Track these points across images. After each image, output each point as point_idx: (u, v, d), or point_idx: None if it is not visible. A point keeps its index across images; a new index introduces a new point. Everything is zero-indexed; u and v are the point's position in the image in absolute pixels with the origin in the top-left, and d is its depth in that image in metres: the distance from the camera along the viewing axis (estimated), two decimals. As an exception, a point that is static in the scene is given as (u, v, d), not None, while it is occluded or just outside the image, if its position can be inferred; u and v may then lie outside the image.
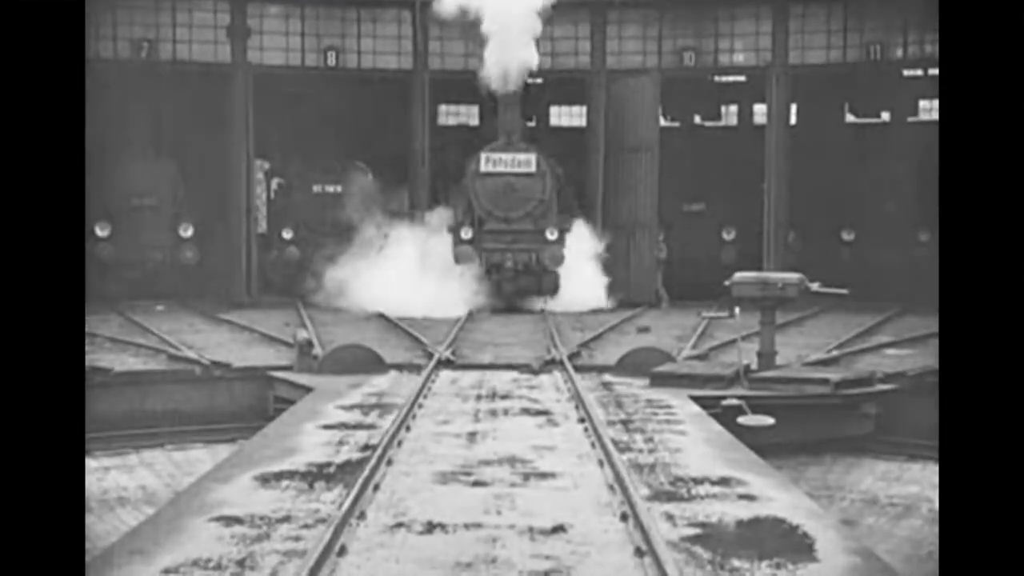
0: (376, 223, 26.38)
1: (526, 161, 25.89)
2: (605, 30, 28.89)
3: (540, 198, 25.85)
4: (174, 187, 29.57)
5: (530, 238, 25.52)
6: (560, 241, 25.64)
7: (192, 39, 27.84)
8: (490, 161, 25.92)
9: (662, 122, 33.78)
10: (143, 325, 20.23)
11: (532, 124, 31.98)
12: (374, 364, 14.98)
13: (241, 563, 6.32)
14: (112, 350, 16.96)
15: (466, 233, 25.59)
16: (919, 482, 12.86)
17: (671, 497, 7.96)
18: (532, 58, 25.61)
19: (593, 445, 9.69)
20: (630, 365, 14.67)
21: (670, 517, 7.36)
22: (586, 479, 8.51)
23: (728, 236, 31.21)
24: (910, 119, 31.67)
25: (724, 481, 8.45)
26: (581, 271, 25.84)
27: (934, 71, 27.90)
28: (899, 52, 28.17)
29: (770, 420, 12.14)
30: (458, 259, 25.17)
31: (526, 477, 8.60)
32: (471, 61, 27.36)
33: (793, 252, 28.00)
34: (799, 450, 13.17)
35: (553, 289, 25.17)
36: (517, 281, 25.17)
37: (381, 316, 21.35)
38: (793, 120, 30.36)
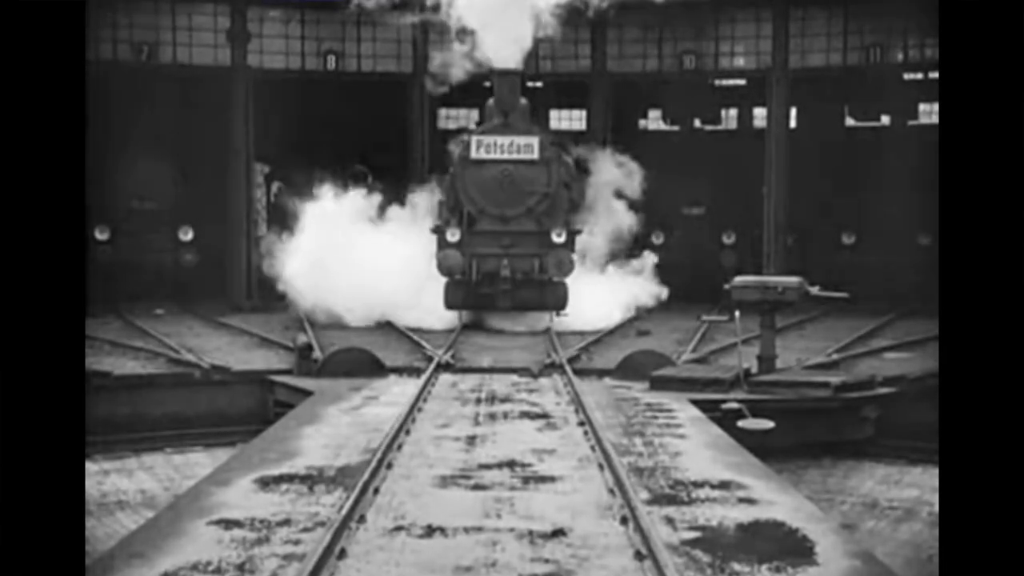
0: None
1: (527, 146, 21.02)
2: (605, 33, 28.92)
3: (544, 191, 21.08)
4: (174, 191, 29.59)
5: (532, 241, 20.88)
6: (569, 244, 20.98)
7: (192, 42, 27.87)
8: (482, 146, 21.06)
9: (662, 125, 33.88)
10: (143, 328, 20.23)
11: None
12: (374, 368, 14.97)
13: (241, 567, 6.31)
14: (112, 353, 16.96)
15: (452, 235, 20.79)
16: (919, 485, 12.86)
17: (671, 501, 7.94)
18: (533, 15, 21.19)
19: (593, 448, 9.68)
20: (630, 369, 14.65)
21: (670, 521, 7.35)
22: (586, 483, 8.50)
23: (728, 240, 31.24)
24: (910, 122, 31.69)
25: (724, 485, 8.44)
26: (604, 279, 22.29)
27: (934, 74, 27.91)
28: (899, 55, 28.22)
29: (770, 424, 12.13)
30: (442, 267, 20.63)
31: (526, 481, 8.59)
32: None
33: (794, 256, 28.02)
34: (799, 453, 13.16)
35: (560, 303, 20.67)
36: (515, 294, 20.49)
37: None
38: (793, 123, 30.40)
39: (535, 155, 21.06)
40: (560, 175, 21.63)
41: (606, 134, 28.26)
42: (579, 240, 21.80)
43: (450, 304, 20.79)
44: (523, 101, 22.19)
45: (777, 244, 28.00)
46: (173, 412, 14.91)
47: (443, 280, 20.70)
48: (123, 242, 28.65)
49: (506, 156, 20.98)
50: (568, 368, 14.68)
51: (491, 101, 22.13)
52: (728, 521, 7.36)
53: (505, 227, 21.03)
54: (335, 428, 10.92)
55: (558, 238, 20.77)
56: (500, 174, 20.97)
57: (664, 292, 23.40)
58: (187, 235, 29.54)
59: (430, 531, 7.09)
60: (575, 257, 20.97)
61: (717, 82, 32.16)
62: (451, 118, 34.89)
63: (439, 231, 21.12)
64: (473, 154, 21.11)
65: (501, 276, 20.48)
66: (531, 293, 20.65)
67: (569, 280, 20.79)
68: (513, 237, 20.94)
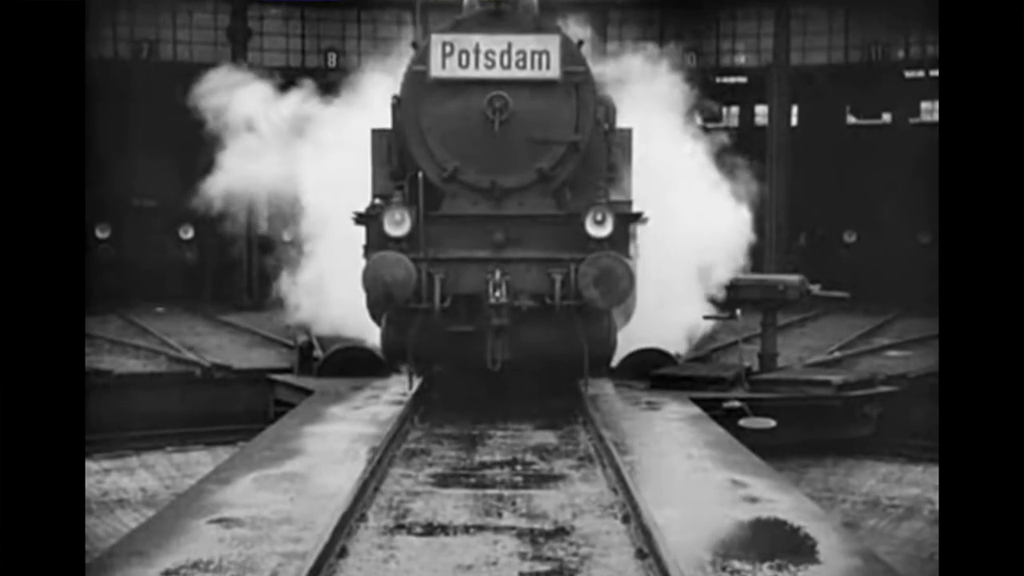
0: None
1: (538, 53, 11.20)
2: (606, 31, 28.90)
3: (572, 140, 11.39)
4: (174, 188, 29.57)
5: (550, 235, 11.33)
6: (619, 240, 11.24)
7: (192, 40, 27.88)
8: (453, 52, 11.19)
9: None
10: (143, 327, 20.24)
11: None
12: (375, 366, 14.92)
13: (241, 565, 6.31)
14: (112, 352, 16.98)
15: (396, 223, 11.11)
16: (920, 484, 12.87)
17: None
18: None
19: (595, 447, 9.68)
20: (631, 367, 14.62)
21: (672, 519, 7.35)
22: (587, 481, 8.50)
23: (729, 238, 31.17)
24: (912, 120, 31.68)
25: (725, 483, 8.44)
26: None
27: (936, 72, 27.90)
28: (900, 53, 28.26)
29: (771, 422, 12.14)
30: (375, 282, 10.78)
31: (527, 479, 8.59)
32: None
33: (799, 254, 28.03)
34: (800, 452, 13.16)
35: (603, 354, 11.69)
36: (517, 334, 10.83)
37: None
38: (794, 121, 30.39)
39: (553, 71, 11.26)
40: (598, 112, 11.74)
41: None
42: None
43: (391, 351, 11.84)
44: None
45: (778, 242, 28.01)
46: (174, 411, 14.95)
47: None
48: (123, 240, 28.65)
49: (498, 74, 11.22)
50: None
51: None
52: (729, 520, 7.36)
53: (498, 208, 11.50)
54: (336, 427, 10.91)
55: (598, 228, 11.08)
56: (487, 107, 11.23)
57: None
58: (187, 233, 29.53)
59: (431, 529, 7.08)
60: (632, 264, 11.19)
61: (718, 79, 32.15)
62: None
63: (370, 216, 11.52)
64: (436, 70, 11.27)
65: (490, 303, 10.79)
66: (548, 334, 11.03)
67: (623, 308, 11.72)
68: (513, 227, 11.39)
